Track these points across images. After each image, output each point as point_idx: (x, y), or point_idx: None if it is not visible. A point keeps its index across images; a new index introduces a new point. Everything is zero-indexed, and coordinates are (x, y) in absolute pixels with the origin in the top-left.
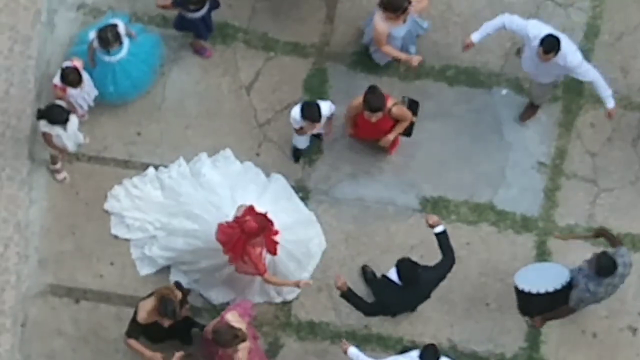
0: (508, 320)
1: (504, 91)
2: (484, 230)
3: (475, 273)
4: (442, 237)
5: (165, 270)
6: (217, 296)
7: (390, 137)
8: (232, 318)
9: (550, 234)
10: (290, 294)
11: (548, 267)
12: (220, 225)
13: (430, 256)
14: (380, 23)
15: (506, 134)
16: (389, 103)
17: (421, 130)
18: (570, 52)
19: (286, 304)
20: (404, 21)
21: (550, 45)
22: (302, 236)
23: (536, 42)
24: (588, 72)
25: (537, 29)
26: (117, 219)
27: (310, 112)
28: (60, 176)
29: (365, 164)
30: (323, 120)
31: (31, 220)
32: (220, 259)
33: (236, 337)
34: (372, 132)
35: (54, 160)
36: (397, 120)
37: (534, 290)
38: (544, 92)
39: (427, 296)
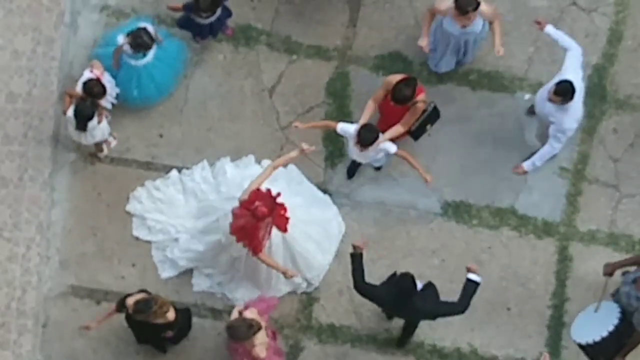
0: (529, 325)
1: (527, 96)
2: (505, 234)
3: (496, 277)
4: (470, 285)
5: (187, 273)
6: (242, 295)
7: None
8: (250, 314)
9: (571, 238)
10: (314, 278)
11: (595, 309)
12: (233, 214)
13: (451, 260)
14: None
15: (528, 138)
16: (419, 97)
17: (443, 135)
18: (575, 110)
19: (307, 307)
20: (463, 26)
21: (564, 90)
22: (317, 217)
23: (557, 78)
24: (557, 145)
25: (570, 70)
26: (139, 220)
27: (365, 136)
28: (102, 154)
29: (387, 167)
30: (378, 150)
31: (53, 221)
32: (239, 249)
33: (251, 326)
34: (390, 112)
35: (99, 148)
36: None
37: (597, 339)
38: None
39: (417, 319)
